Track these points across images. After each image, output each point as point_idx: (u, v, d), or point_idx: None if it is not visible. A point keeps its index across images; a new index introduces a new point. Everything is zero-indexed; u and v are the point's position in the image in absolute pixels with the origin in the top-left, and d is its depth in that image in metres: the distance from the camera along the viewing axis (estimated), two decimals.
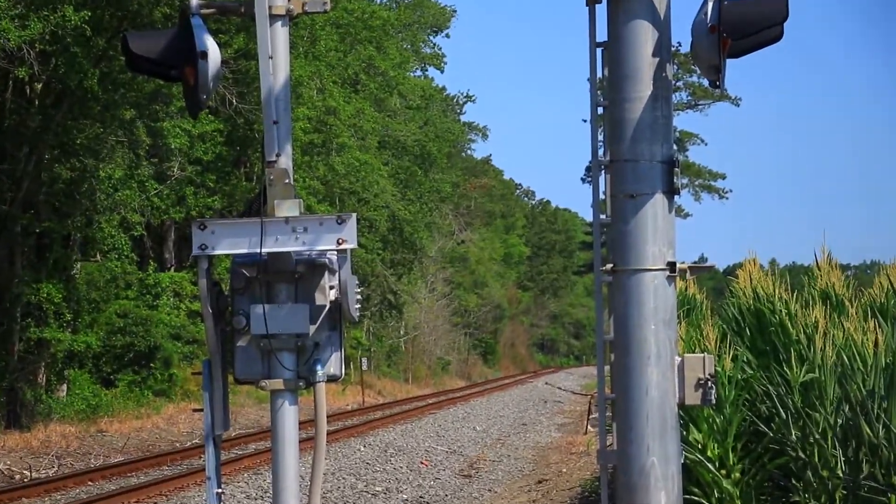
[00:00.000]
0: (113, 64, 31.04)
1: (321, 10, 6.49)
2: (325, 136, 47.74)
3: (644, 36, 6.40)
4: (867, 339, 11.53)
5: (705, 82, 7.59)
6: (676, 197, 6.51)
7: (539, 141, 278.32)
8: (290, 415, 6.48)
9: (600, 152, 6.67)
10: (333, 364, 6.52)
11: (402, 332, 76.41)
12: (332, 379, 6.54)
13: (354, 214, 6.30)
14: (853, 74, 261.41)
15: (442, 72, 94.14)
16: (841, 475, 10.88)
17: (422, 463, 25.96)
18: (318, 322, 6.41)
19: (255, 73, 35.22)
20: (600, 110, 6.67)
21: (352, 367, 55.06)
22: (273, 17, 6.37)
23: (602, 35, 6.62)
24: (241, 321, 6.41)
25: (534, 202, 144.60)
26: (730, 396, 11.94)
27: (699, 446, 11.95)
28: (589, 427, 33.33)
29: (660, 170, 6.40)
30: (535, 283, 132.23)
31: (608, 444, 6.73)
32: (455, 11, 78.57)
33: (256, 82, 35.27)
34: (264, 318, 6.31)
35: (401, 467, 25.01)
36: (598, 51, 6.66)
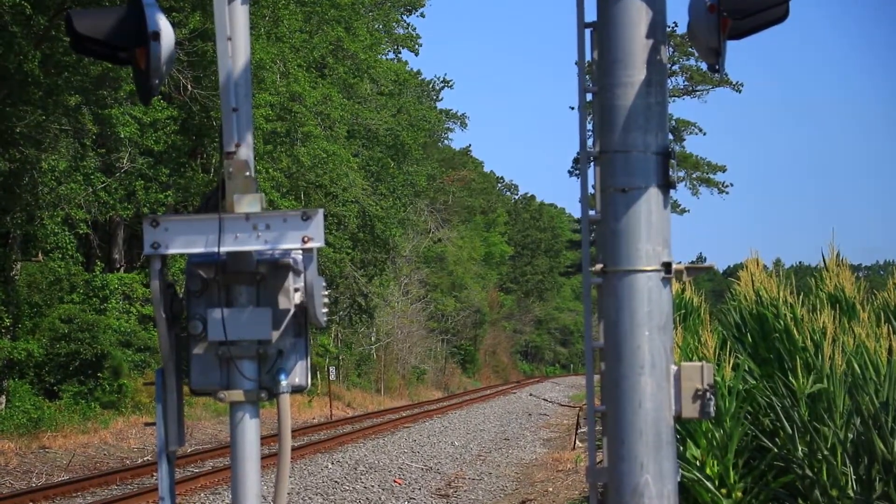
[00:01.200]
0: (56, 45, 30.96)
1: None
2: (290, 124, 47.72)
3: (637, 15, 6.41)
4: (880, 346, 11.58)
5: (704, 66, 7.59)
6: (672, 191, 6.52)
7: (523, 130, 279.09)
8: (250, 429, 6.46)
9: (589, 142, 6.67)
10: (298, 373, 6.51)
11: (373, 339, 76.40)
12: (297, 389, 6.52)
13: (321, 210, 6.28)
14: (865, 58, 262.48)
15: (417, 55, 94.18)
16: (852, 494, 10.92)
17: (395, 482, 25.97)
18: (282, 328, 6.39)
19: (213, 55, 35.24)
20: (589, 97, 6.67)
21: (319, 376, 55.04)
22: None
23: (591, 14, 6.62)
24: (198, 326, 6.39)
25: (517, 197, 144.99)
26: (730, 409, 11.97)
27: (697, 463, 11.99)
28: (577, 442, 33.42)
29: (654, 161, 6.41)
30: (519, 286, 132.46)
31: (598, 460, 6.74)
32: None
33: (214, 66, 35.29)
34: (223, 323, 6.29)
35: (372, 486, 25.01)
36: (587, 32, 6.67)
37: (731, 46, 6.31)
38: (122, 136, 37.91)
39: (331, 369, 52.57)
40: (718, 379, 11.92)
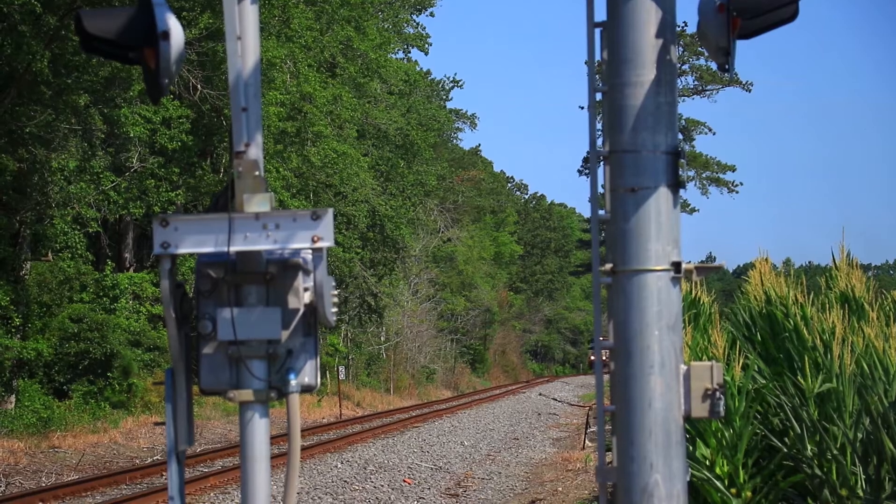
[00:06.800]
0: (65, 45, 30.99)
1: None
2: (300, 124, 47.73)
3: (646, 15, 6.41)
4: (889, 346, 11.56)
5: (713, 65, 7.59)
6: (682, 191, 6.51)
7: (532, 130, 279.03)
8: (260, 428, 6.46)
9: (599, 142, 6.66)
10: (308, 373, 6.50)
11: (382, 339, 76.40)
12: (306, 389, 6.51)
13: (331, 210, 6.27)
14: (875, 55, 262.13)
15: (426, 54, 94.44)
16: (861, 494, 10.90)
17: (405, 481, 25.97)
18: (292, 327, 6.38)
19: (222, 55, 35.27)
20: (599, 96, 6.66)
21: (328, 376, 55.07)
22: None
23: (601, 14, 6.62)
24: (207, 326, 6.38)
25: (527, 196, 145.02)
26: (740, 408, 11.96)
27: (707, 463, 11.98)
28: (587, 442, 33.40)
29: (663, 161, 6.40)
30: (529, 285, 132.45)
31: (607, 460, 6.73)
32: None
33: (223, 65, 35.27)
34: (232, 322, 6.29)
35: (382, 486, 25.01)
36: (597, 31, 6.66)
37: (741, 45, 6.31)
38: (132, 135, 37.92)
39: (340, 369, 52.60)
40: (728, 378, 11.91)
